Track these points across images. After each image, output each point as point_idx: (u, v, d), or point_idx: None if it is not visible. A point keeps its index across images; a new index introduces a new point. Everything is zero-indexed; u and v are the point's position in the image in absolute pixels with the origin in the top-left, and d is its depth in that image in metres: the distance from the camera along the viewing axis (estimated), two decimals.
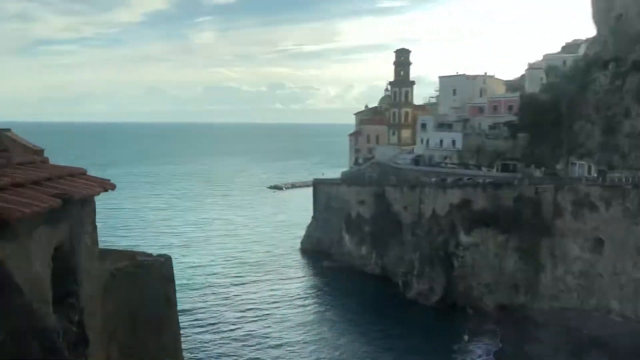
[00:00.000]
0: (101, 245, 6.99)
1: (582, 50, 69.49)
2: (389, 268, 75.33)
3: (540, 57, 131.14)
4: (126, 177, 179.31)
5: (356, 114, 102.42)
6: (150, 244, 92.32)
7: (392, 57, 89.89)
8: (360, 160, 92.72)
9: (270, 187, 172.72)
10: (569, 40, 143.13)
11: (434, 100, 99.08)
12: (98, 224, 6.74)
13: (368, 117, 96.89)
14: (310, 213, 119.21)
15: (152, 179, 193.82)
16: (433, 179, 68.56)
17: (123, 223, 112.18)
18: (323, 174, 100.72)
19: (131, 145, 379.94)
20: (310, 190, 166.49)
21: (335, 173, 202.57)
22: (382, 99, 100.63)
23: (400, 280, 70.51)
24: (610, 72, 57.37)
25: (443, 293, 64.35)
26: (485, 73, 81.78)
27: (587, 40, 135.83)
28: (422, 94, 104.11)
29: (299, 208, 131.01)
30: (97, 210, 6.67)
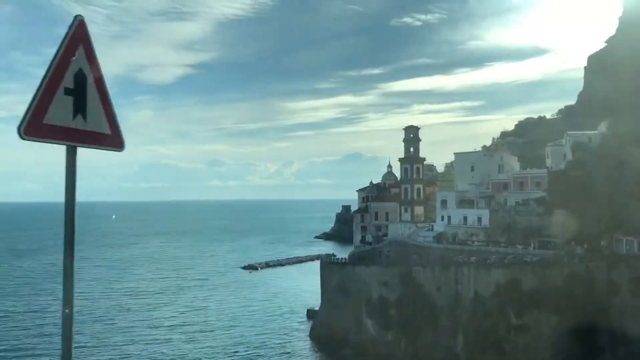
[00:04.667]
0: None
1: (602, 128, 71.17)
2: (422, 355, 70.36)
3: (498, 134, 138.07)
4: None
5: (359, 191, 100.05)
6: (140, 350, 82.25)
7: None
8: (369, 239, 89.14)
9: (244, 268, 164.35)
10: (521, 118, 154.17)
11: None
12: None
13: (374, 193, 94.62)
14: (306, 295, 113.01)
15: (105, 265, 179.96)
16: (472, 258, 65.88)
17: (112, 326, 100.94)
18: (334, 255, 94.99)
19: (58, 227, 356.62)
20: (288, 269, 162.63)
21: (306, 250, 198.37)
22: (385, 175, 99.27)
23: None
24: None
25: None
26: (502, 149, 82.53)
27: (540, 118, 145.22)
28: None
29: (290, 290, 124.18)
30: None
